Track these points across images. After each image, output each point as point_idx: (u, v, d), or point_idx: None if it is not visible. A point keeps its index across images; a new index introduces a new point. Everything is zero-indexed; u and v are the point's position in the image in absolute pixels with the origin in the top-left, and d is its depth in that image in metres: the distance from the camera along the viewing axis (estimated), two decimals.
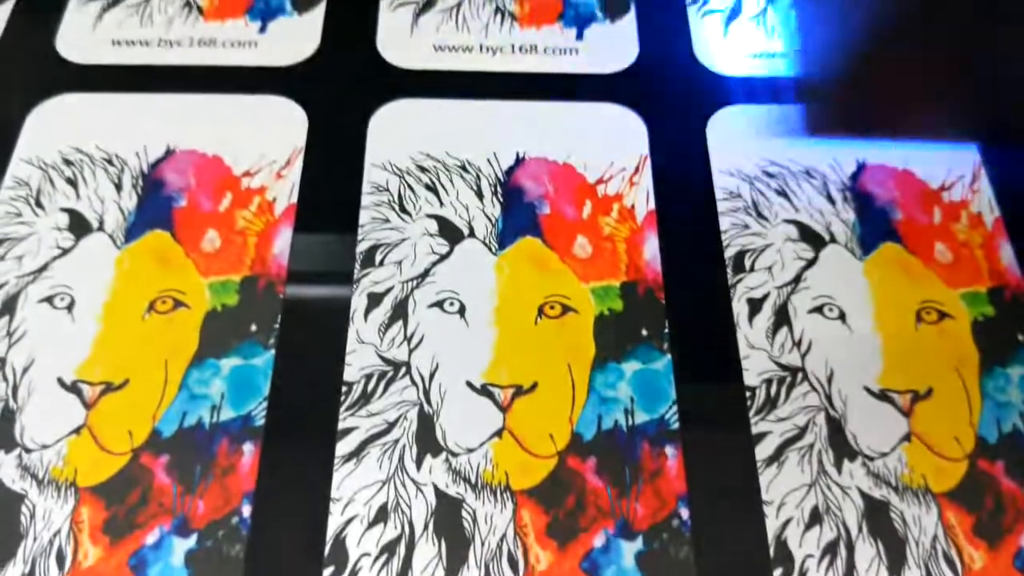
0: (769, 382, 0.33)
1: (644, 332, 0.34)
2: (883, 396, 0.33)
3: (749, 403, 0.33)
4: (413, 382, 0.33)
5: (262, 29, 0.42)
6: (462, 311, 0.35)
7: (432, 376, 0.33)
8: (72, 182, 0.37)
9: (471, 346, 0.34)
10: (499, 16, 0.43)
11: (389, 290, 0.35)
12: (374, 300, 0.35)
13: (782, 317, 0.35)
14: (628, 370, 0.33)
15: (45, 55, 0.42)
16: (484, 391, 0.33)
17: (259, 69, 0.41)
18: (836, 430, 0.32)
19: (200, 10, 0.43)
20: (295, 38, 0.42)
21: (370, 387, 0.33)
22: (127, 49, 0.42)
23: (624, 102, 0.40)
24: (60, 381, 0.33)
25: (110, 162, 0.38)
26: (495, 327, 0.34)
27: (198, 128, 0.39)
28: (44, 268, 0.35)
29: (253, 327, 0.34)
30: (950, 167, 0.39)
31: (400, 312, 0.35)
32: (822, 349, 0.34)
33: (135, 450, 0.31)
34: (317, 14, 0.43)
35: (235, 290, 0.35)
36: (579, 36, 0.43)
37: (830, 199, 0.38)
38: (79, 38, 0.42)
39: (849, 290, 0.36)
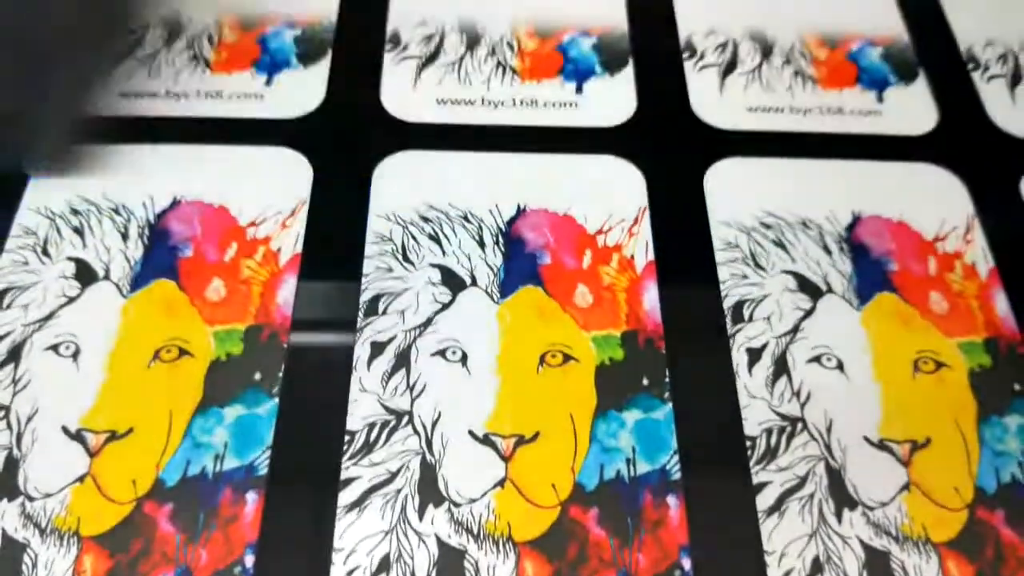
0: (769, 432, 0.34)
1: (645, 381, 0.34)
2: (882, 446, 0.33)
3: (750, 453, 0.33)
4: (415, 431, 0.33)
5: (268, 82, 0.43)
6: (464, 360, 0.35)
7: (434, 425, 0.33)
8: (79, 231, 0.38)
9: (473, 395, 0.34)
10: (501, 70, 0.44)
11: (392, 339, 0.35)
12: (377, 349, 0.35)
13: (781, 367, 0.35)
14: (629, 419, 0.33)
15: None
16: (486, 440, 0.33)
17: (265, 121, 0.42)
18: (836, 480, 0.33)
19: (207, 63, 0.44)
20: (301, 91, 0.43)
21: (372, 436, 0.33)
22: (135, 101, 0.42)
23: (623, 154, 0.41)
24: (64, 429, 0.33)
25: (117, 212, 0.39)
26: (497, 376, 0.35)
27: (204, 179, 0.40)
28: (50, 316, 0.36)
29: (257, 376, 0.34)
30: (944, 218, 0.40)
31: (403, 361, 0.35)
32: (821, 399, 0.34)
33: (138, 499, 0.31)
34: (322, 67, 0.44)
35: (239, 339, 0.35)
36: (579, 90, 0.44)
37: (826, 250, 0.38)
38: None
39: (847, 340, 0.36)
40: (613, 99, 0.43)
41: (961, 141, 0.43)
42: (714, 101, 0.44)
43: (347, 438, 0.33)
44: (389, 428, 0.33)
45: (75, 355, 0.35)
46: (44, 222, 0.38)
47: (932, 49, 0.47)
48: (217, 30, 0.45)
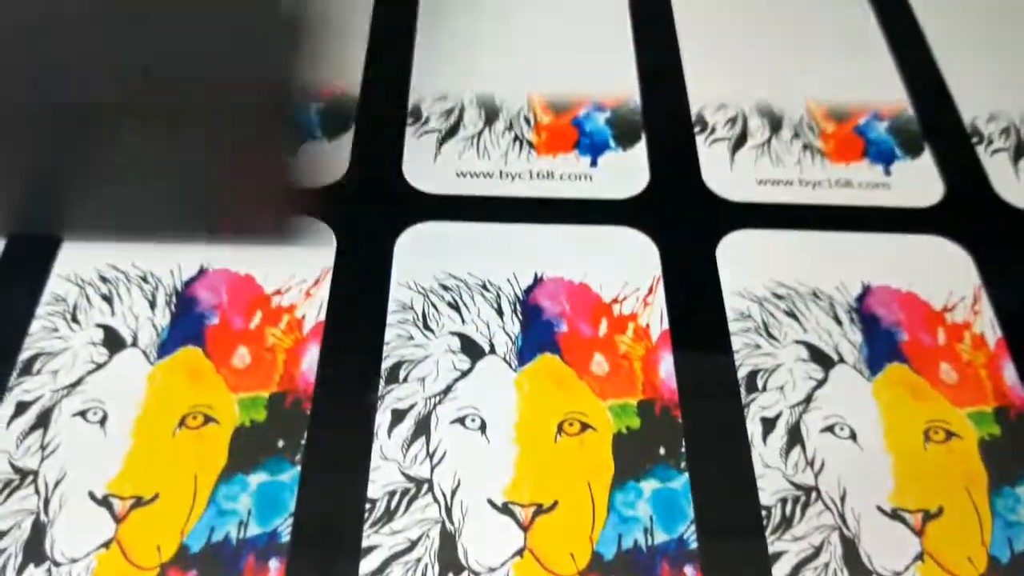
0: (784, 501, 0.34)
1: (662, 451, 0.35)
2: (895, 515, 0.34)
3: (765, 522, 0.33)
4: (435, 499, 0.34)
5: None
6: (483, 428, 0.36)
7: (454, 494, 0.34)
8: (108, 299, 0.39)
9: (492, 463, 0.35)
10: (518, 144, 0.46)
11: (412, 406, 0.36)
12: (397, 416, 0.36)
13: (795, 436, 0.36)
14: (647, 489, 0.34)
15: None
16: (505, 509, 0.33)
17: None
18: (851, 549, 0.33)
19: None
20: (325, 163, 0.44)
21: (393, 504, 0.34)
22: None
23: (637, 226, 0.42)
24: (91, 495, 0.33)
25: (145, 280, 0.40)
26: (516, 444, 0.35)
27: (230, 247, 0.41)
28: (78, 383, 0.36)
29: (280, 443, 0.35)
30: (951, 289, 0.41)
31: (422, 429, 0.36)
32: (835, 468, 0.35)
33: (163, 565, 0.32)
34: (345, 141, 0.45)
35: (264, 406, 0.36)
36: (593, 163, 0.45)
37: (837, 320, 0.39)
38: None
39: (859, 410, 0.37)
40: (627, 172, 0.45)
41: (967, 213, 0.44)
42: (725, 174, 0.45)
43: (368, 506, 0.33)
44: (409, 496, 0.34)
45: (102, 421, 0.35)
46: (74, 289, 0.39)
47: (936, 123, 0.48)
48: None
